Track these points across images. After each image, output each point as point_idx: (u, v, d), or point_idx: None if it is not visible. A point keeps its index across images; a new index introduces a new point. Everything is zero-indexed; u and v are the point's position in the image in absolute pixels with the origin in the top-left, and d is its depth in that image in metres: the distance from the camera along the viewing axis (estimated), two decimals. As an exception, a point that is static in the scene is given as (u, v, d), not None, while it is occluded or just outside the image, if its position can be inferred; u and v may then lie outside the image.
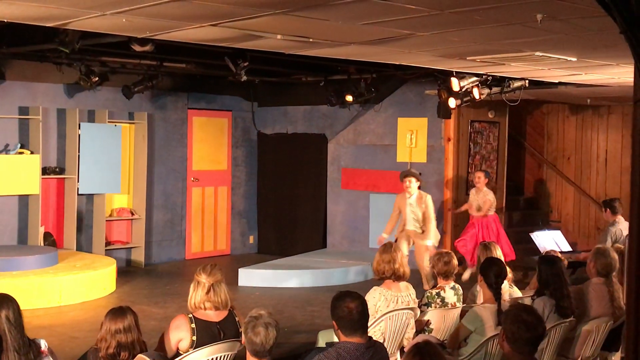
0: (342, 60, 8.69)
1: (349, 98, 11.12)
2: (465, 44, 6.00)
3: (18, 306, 3.98)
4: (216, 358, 4.40)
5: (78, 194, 10.72)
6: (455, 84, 9.14)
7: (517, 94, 9.65)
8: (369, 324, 4.31)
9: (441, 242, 10.93)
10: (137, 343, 4.28)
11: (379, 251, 5.65)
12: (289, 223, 12.80)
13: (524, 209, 12.86)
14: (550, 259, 5.76)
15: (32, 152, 10.21)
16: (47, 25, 5.48)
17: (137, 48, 7.64)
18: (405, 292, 5.55)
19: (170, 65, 10.21)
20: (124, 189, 11.40)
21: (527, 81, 9.22)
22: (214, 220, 12.68)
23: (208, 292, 4.51)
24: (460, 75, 9.05)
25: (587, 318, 5.59)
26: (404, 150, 11.41)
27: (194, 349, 4.39)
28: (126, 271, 10.84)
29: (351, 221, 12.05)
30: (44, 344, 4.04)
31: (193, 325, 4.44)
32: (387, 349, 4.66)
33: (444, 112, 9.97)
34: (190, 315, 4.50)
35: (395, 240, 9.23)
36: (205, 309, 4.52)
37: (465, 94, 9.46)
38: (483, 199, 10.16)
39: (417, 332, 5.53)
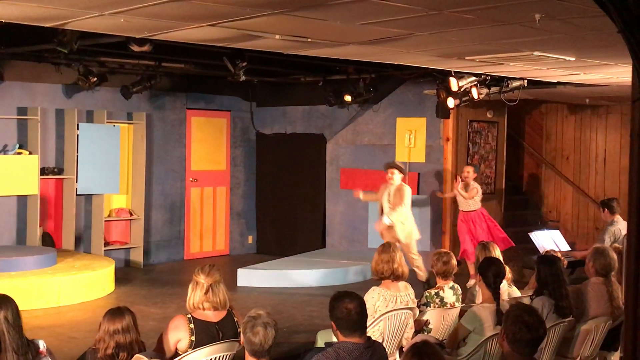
0: (340, 60, 8.69)
1: (348, 98, 11.12)
2: (464, 44, 6.00)
3: (16, 307, 3.97)
4: (215, 358, 4.40)
5: (77, 195, 10.72)
6: (453, 84, 9.14)
7: (515, 93, 9.66)
8: (367, 324, 4.31)
9: (440, 242, 10.96)
10: (136, 343, 4.28)
11: (377, 251, 5.65)
12: (288, 223, 12.80)
13: (523, 209, 12.86)
14: (549, 258, 5.76)
15: (30, 153, 10.21)
16: (45, 25, 5.48)
17: (135, 48, 7.63)
18: (404, 292, 5.55)
19: (169, 66, 10.20)
20: (123, 189, 11.40)
21: (525, 81, 9.22)
22: (212, 220, 12.67)
23: (207, 292, 4.51)
24: (459, 75, 9.05)
25: (586, 318, 5.59)
26: (402, 150, 11.41)
27: (193, 349, 4.39)
28: (125, 271, 10.84)
29: (350, 221, 12.05)
30: (42, 345, 4.04)
31: (192, 326, 4.44)
32: (386, 349, 4.66)
33: (442, 112, 9.97)
34: (189, 316, 4.50)
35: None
36: (203, 309, 4.52)
37: (464, 93, 9.47)
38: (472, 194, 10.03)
39: (416, 332, 5.53)
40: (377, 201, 9.51)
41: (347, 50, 6.53)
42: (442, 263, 5.87)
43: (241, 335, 3.79)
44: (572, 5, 4.30)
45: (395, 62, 7.60)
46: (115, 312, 4.35)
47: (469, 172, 10.10)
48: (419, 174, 11.33)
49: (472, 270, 9.60)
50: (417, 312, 5.54)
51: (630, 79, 3.39)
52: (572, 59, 6.57)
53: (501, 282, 5.26)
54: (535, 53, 6.27)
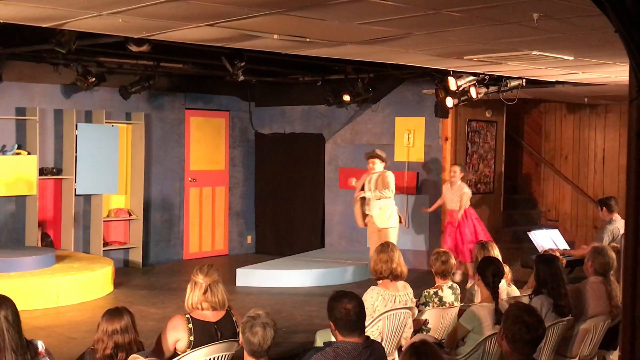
0: (339, 60, 8.69)
1: (347, 98, 11.12)
2: (462, 43, 6.00)
3: (15, 307, 3.97)
4: (214, 358, 4.39)
5: (75, 195, 10.72)
6: (452, 84, 9.15)
7: (514, 93, 9.66)
8: (366, 324, 4.31)
9: (438, 242, 10.95)
10: (134, 343, 4.28)
11: (376, 251, 5.65)
12: (286, 223, 12.80)
13: (522, 208, 12.86)
14: (547, 258, 5.76)
15: (29, 153, 10.21)
16: (44, 25, 5.48)
17: (133, 48, 7.63)
18: (403, 292, 5.55)
19: (167, 66, 10.20)
20: (122, 189, 11.40)
21: (524, 80, 9.22)
22: (211, 220, 12.67)
23: (205, 292, 4.51)
24: (458, 75, 9.05)
25: (585, 317, 5.59)
26: (401, 150, 11.42)
27: (192, 349, 4.39)
28: (124, 272, 10.83)
29: (349, 221, 12.03)
30: (41, 345, 4.04)
31: (190, 326, 4.44)
32: (385, 349, 4.66)
33: (441, 111, 9.98)
34: (188, 316, 4.49)
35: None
36: (202, 309, 4.52)
37: (463, 93, 9.47)
38: (459, 193, 9.76)
39: (415, 332, 5.54)
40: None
41: (345, 50, 6.53)
42: (440, 262, 5.87)
43: (240, 335, 3.79)
44: (570, 5, 4.30)
45: (393, 61, 7.60)
46: (114, 313, 4.35)
47: (455, 171, 9.88)
48: (417, 173, 11.33)
49: (469, 271, 9.54)
50: (416, 311, 5.54)
51: (627, 78, 3.40)
52: (571, 58, 6.57)
53: (500, 282, 5.27)
54: (534, 52, 6.27)
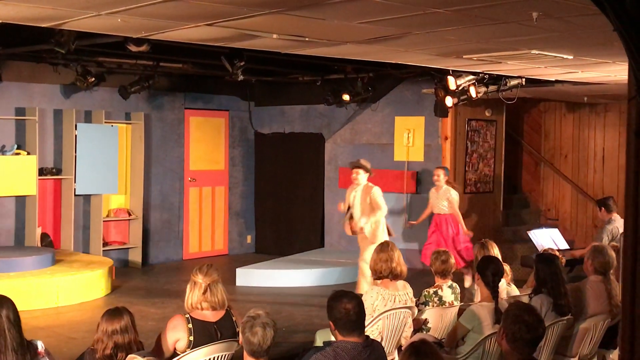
0: (338, 59, 8.69)
1: (346, 97, 11.12)
2: (462, 43, 6.00)
3: (15, 307, 3.97)
4: (213, 358, 4.39)
5: (75, 195, 10.72)
6: (452, 83, 9.14)
7: (514, 92, 9.66)
8: (366, 323, 4.31)
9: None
10: (134, 343, 4.29)
11: (375, 250, 5.65)
12: (286, 223, 12.80)
13: (522, 207, 12.86)
14: (547, 257, 5.76)
15: (28, 153, 10.20)
16: (43, 25, 5.47)
17: (133, 48, 7.63)
18: (403, 291, 5.55)
19: (167, 65, 10.20)
20: (121, 189, 11.40)
21: (523, 79, 9.22)
22: (211, 220, 12.67)
23: (205, 292, 4.51)
24: (457, 74, 9.05)
25: (585, 316, 5.59)
26: (401, 149, 11.42)
27: (191, 349, 4.39)
28: (124, 272, 10.83)
29: (349, 220, 12.04)
30: (40, 345, 4.03)
31: (190, 326, 4.44)
32: (385, 348, 4.66)
33: (441, 110, 9.97)
34: (187, 316, 4.49)
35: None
36: (202, 309, 4.52)
37: (462, 92, 9.46)
38: (445, 198, 9.32)
39: (415, 331, 5.54)
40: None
41: (345, 49, 6.53)
42: (440, 262, 5.87)
43: (240, 335, 3.78)
44: (569, 4, 4.30)
45: (393, 61, 7.60)
46: (114, 313, 4.35)
47: (439, 175, 9.43)
48: (417, 172, 11.33)
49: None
50: (416, 311, 5.54)
51: (627, 77, 3.40)
52: (570, 57, 6.57)
53: (500, 281, 5.27)
54: (533, 51, 6.27)
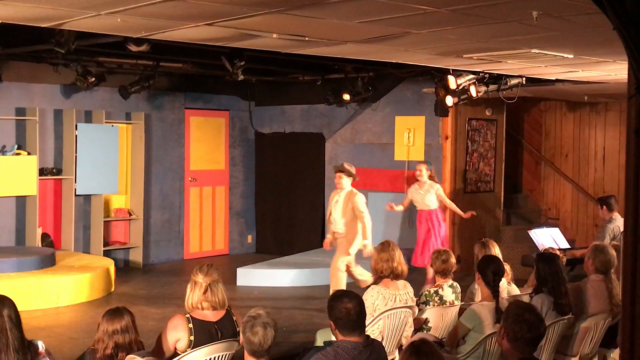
0: (339, 59, 8.68)
1: (346, 97, 11.12)
2: (462, 42, 5.99)
3: (16, 307, 3.98)
4: (214, 358, 4.39)
5: (75, 195, 10.72)
6: (452, 82, 9.13)
7: (514, 91, 9.65)
8: (367, 323, 4.31)
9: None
10: (135, 343, 4.29)
11: (376, 250, 5.66)
12: (287, 222, 12.80)
13: (522, 207, 12.86)
14: (548, 256, 5.76)
15: (29, 153, 10.21)
16: (43, 25, 5.47)
17: (133, 48, 7.63)
18: (403, 291, 5.55)
19: (167, 65, 10.20)
20: (122, 189, 11.40)
21: (524, 78, 9.21)
22: (212, 220, 12.67)
23: (205, 292, 4.51)
24: (457, 73, 9.04)
25: (586, 315, 5.60)
26: (401, 149, 11.41)
27: (192, 349, 4.39)
28: (124, 272, 10.84)
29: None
30: (41, 345, 4.03)
31: (190, 325, 4.44)
32: (386, 348, 4.66)
33: (441, 110, 9.96)
34: (188, 315, 4.49)
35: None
36: (202, 309, 4.52)
37: (463, 91, 9.46)
38: (432, 192, 9.22)
39: (416, 331, 5.54)
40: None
41: (345, 49, 6.53)
42: (441, 261, 5.87)
43: (240, 334, 3.78)
44: (569, 3, 4.30)
45: (393, 60, 7.60)
46: (114, 313, 4.35)
47: (422, 170, 9.30)
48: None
49: (429, 274, 8.56)
50: (417, 310, 5.54)
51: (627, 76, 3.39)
52: (570, 56, 6.56)
53: (500, 280, 5.26)
54: (533, 50, 6.26)
